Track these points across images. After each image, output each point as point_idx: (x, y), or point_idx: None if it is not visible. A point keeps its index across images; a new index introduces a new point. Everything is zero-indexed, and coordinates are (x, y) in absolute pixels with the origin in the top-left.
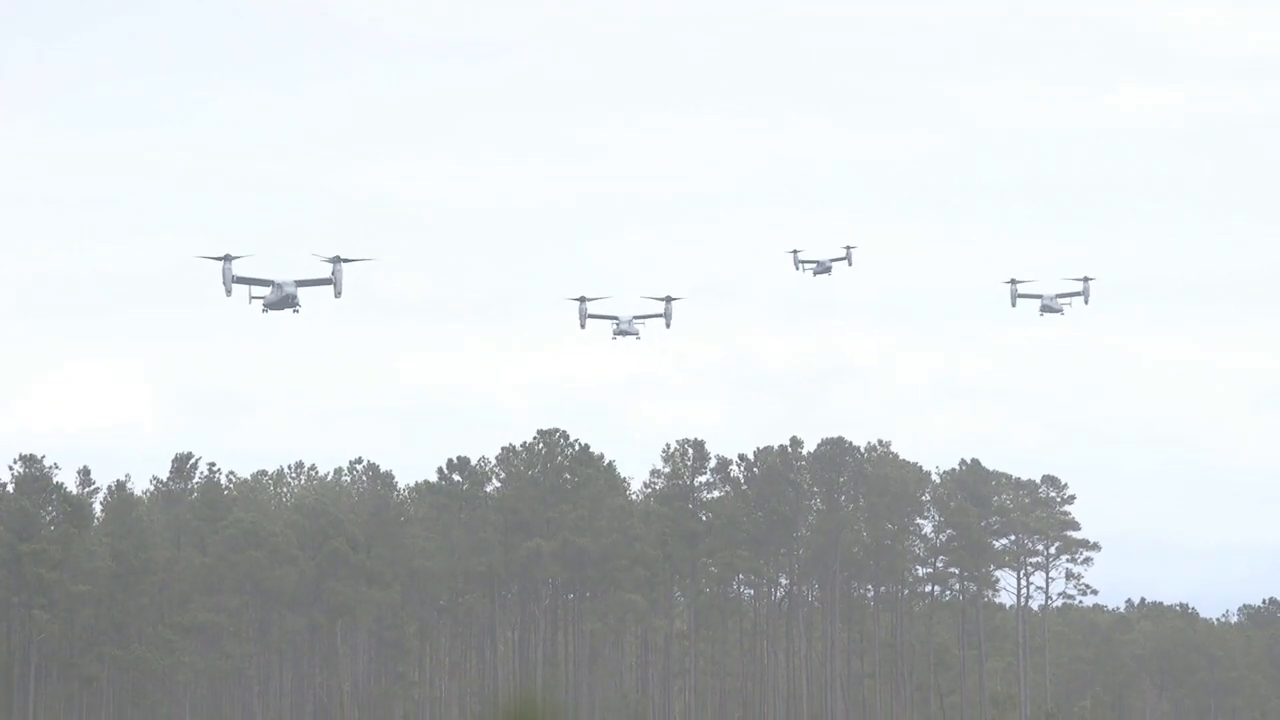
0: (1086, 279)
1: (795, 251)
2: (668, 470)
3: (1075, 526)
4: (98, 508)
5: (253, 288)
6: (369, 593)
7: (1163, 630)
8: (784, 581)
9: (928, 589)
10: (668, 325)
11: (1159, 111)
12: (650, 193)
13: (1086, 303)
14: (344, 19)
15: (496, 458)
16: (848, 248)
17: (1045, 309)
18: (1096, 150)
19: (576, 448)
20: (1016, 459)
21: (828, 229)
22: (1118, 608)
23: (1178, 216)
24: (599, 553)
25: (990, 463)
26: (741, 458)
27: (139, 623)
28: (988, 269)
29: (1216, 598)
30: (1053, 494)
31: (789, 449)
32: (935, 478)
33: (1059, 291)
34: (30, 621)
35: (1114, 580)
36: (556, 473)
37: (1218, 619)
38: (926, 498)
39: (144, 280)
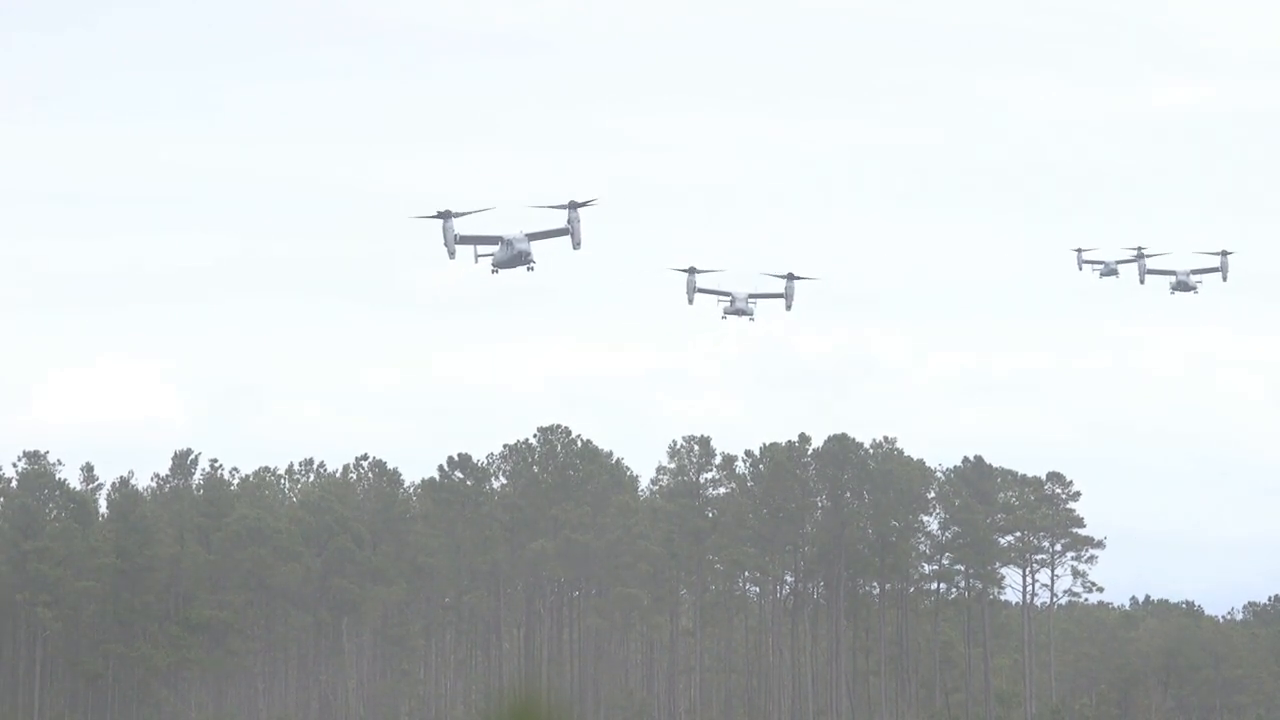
0: (1225, 253)
1: (1079, 250)
2: (673, 467)
3: (1081, 524)
4: (103, 504)
5: (478, 246)
6: (374, 590)
7: (1168, 628)
8: (789, 579)
9: (933, 586)
10: (788, 307)
11: (1190, 106)
12: (670, 184)
13: (1225, 279)
14: (369, 12)
15: (500, 455)
16: (1140, 249)
17: (1179, 286)
18: (1121, 144)
19: (579, 444)
20: (1022, 455)
21: (846, 225)
22: (1123, 605)
23: (1196, 210)
24: (603, 550)
25: (995, 459)
26: (748, 454)
27: (144, 619)
28: (1009, 265)
29: (1222, 595)
30: (1059, 491)
31: (795, 446)
32: (940, 475)
33: (1194, 268)
34: (35, 619)
35: (1119, 577)
36: (561, 469)
37: (1223, 616)
38: (932, 495)
39: (156, 278)
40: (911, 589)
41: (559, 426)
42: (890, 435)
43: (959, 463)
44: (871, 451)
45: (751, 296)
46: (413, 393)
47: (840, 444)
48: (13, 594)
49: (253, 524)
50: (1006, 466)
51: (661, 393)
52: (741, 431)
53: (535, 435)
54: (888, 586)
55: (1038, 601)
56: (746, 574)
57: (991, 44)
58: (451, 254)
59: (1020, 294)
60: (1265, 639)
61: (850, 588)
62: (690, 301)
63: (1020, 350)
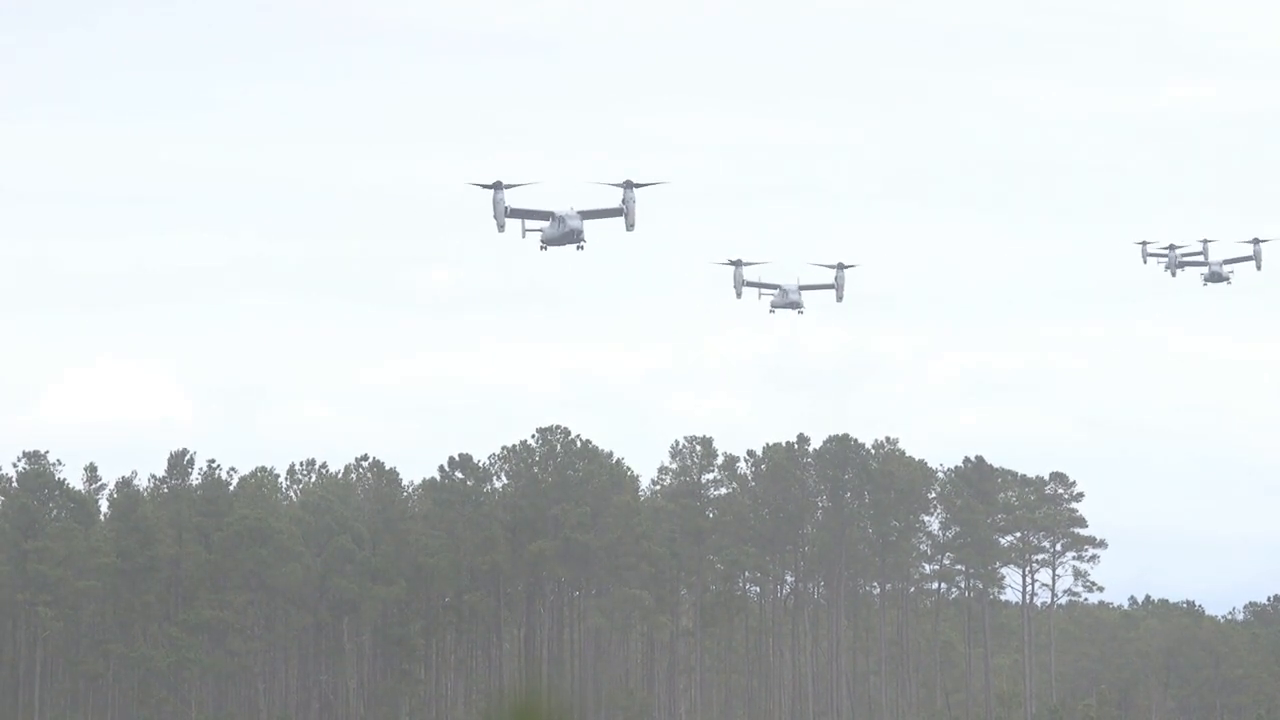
0: (1258, 241)
1: (1144, 243)
2: (675, 467)
3: (1082, 524)
4: (104, 505)
5: (528, 221)
6: (374, 589)
7: (1169, 628)
8: (790, 579)
9: (933, 586)
10: (839, 298)
11: (1197, 105)
12: (673, 183)
13: (1259, 268)
14: (369, 12)
15: (500, 455)
16: (1204, 241)
17: (1212, 278)
18: (1127, 143)
19: (579, 444)
20: (1025, 455)
21: (860, 226)
22: (1123, 605)
23: (1202, 209)
24: (604, 550)
25: (999, 459)
26: (751, 454)
27: (144, 620)
28: (1012, 265)
29: (1223, 595)
30: (1060, 491)
31: (795, 446)
32: (941, 475)
33: (1226, 257)
34: (35, 619)
35: (1120, 577)
36: (561, 470)
37: (1224, 617)
38: (933, 495)
39: (157, 278)
40: (912, 589)
41: (558, 427)
42: (891, 435)
43: (960, 463)
44: (872, 451)
45: (803, 288)
46: (413, 393)
47: (841, 444)
48: (13, 594)
49: (253, 524)
50: (1008, 467)
51: (665, 393)
52: (746, 431)
53: (534, 436)
54: (888, 586)
55: (1038, 601)
56: (747, 574)
57: (997, 44)
58: (501, 226)
59: (1023, 294)
60: (1266, 639)
61: (851, 588)
62: (738, 296)
63: (1023, 350)
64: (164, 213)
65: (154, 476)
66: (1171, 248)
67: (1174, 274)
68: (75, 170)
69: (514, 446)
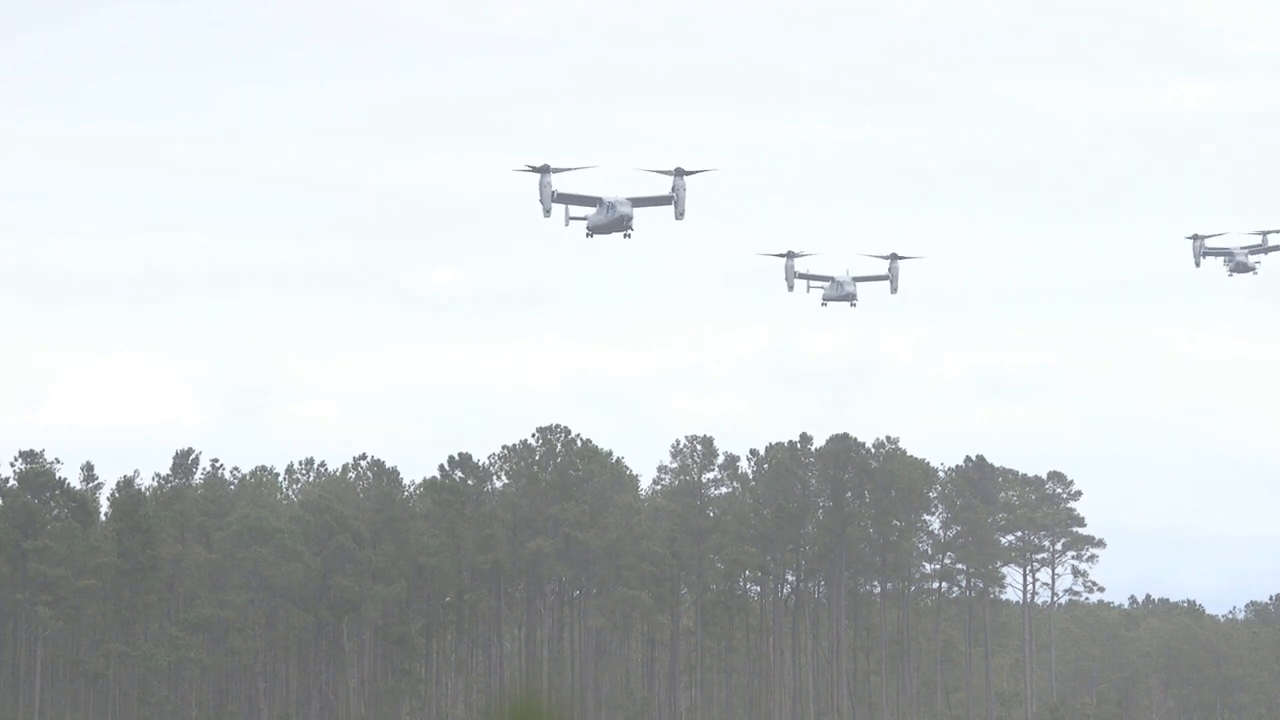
0: None
1: (1196, 237)
2: (675, 466)
3: (1082, 523)
4: (104, 504)
5: (572, 207)
6: (375, 589)
7: (1169, 627)
8: (790, 578)
9: (934, 585)
10: (893, 289)
11: (1207, 104)
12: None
13: None
14: (375, 13)
15: (500, 455)
16: (1263, 233)
17: (1237, 268)
18: (1133, 143)
19: (579, 443)
20: (1026, 455)
21: (860, 226)
22: (1123, 604)
23: (1211, 208)
24: (604, 549)
25: (1000, 458)
26: (753, 453)
27: (145, 619)
28: (1015, 264)
29: (1223, 595)
30: (1060, 491)
31: (797, 445)
32: (942, 474)
33: (1251, 246)
34: (35, 619)
35: (1120, 577)
36: (561, 469)
37: (1224, 615)
38: (934, 494)
39: (159, 278)
40: (913, 588)
41: (558, 427)
42: (892, 435)
43: (961, 462)
44: (873, 451)
45: (857, 279)
46: (413, 393)
47: (842, 444)
48: (13, 594)
49: (253, 523)
50: (1009, 466)
51: (665, 392)
52: (747, 430)
53: (534, 436)
54: (889, 586)
55: (1039, 601)
56: (748, 573)
57: (1007, 44)
58: (546, 212)
59: (1024, 294)
60: (1266, 638)
61: (851, 587)
62: (790, 288)
63: (1024, 350)
64: (165, 213)
65: (157, 475)
66: (1195, 237)
67: (1198, 263)
68: (76, 170)
69: (514, 446)
